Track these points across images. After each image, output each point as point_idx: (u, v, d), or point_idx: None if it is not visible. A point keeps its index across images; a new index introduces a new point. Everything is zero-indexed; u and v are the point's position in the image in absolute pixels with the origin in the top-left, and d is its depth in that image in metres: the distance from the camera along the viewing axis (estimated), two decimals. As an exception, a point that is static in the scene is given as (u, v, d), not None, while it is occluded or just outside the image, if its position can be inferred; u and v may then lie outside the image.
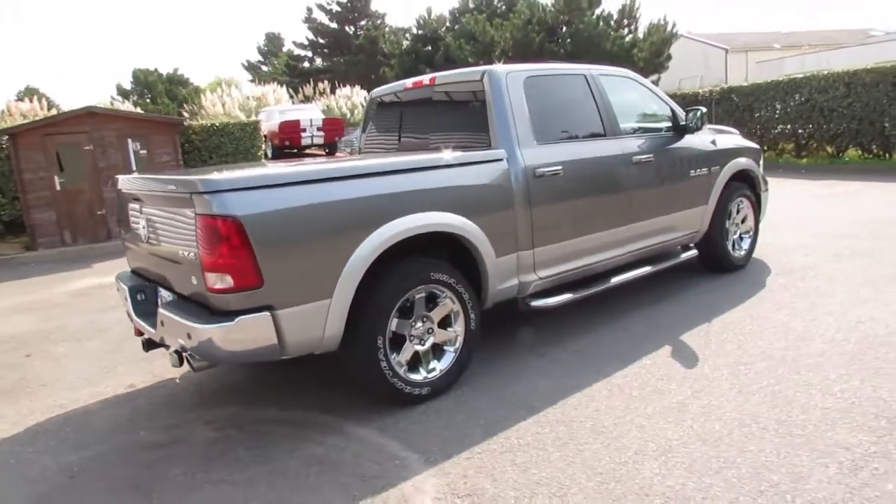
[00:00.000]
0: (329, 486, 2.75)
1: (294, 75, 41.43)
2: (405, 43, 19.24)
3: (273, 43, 56.18)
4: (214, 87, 32.93)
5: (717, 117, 14.51)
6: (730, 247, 5.50)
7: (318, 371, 3.98)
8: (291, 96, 32.94)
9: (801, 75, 13.77)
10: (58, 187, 9.40)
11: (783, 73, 17.97)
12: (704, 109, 4.94)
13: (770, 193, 6.04)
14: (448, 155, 3.65)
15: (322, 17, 42.01)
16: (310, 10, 41.95)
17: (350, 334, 3.22)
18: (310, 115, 15.58)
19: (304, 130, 14.57)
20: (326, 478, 2.82)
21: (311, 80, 33.32)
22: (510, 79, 3.99)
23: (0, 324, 6.01)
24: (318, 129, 14.72)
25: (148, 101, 53.06)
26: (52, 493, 2.90)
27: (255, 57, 57.78)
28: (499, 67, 4.07)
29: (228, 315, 2.87)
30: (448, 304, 3.58)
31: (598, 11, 16.04)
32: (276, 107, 18.69)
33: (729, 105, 14.63)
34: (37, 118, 11.93)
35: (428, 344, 3.54)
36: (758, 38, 38.48)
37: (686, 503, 2.43)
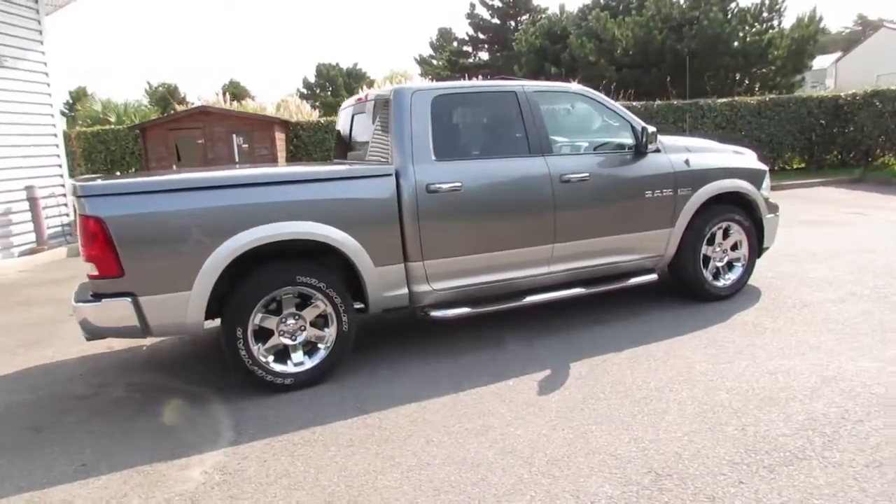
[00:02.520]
0: (150, 447, 3.26)
1: (455, 70, 42.81)
2: (535, 40, 19.17)
3: (444, 38, 58.33)
4: (383, 83, 35.29)
5: (859, 126, 12.78)
6: (708, 275, 5.13)
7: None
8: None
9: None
10: (177, 174, 11.05)
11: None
12: (653, 129, 4.68)
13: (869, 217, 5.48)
14: (330, 169, 3.98)
15: (484, 13, 42.83)
16: (472, 5, 42.95)
17: (222, 324, 3.72)
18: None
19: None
20: (156, 440, 3.34)
21: (467, 76, 34.34)
22: (416, 98, 4.19)
23: None
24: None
25: (329, 94, 57.97)
26: (-20, 421, 3.76)
27: (428, 51, 60.48)
28: (407, 86, 4.28)
29: (98, 298, 3.50)
30: (320, 305, 3.92)
31: (730, 6, 14.74)
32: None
33: (871, 112, 12.79)
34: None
35: (299, 340, 3.93)
36: None
37: (382, 514, 2.59)
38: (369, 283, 4.00)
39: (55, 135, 10.32)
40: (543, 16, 41.10)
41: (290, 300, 3.87)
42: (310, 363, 3.94)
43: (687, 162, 4.94)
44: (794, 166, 14.66)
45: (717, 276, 5.22)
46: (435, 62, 56.02)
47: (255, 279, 3.75)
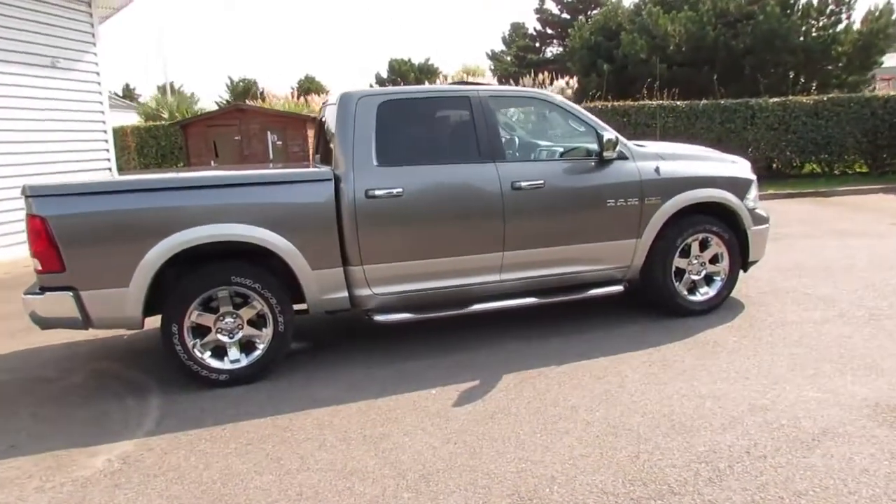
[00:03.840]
0: (77, 433, 3.47)
1: (522, 66, 42.42)
2: (590, 36, 18.69)
3: (516, 32, 57.84)
4: (455, 78, 35.37)
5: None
6: (682, 288, 4.90)
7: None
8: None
9: None
10: (216, 169, 11.57)
11: None
12: (614, 136, 4.49)
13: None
14: (266, 173, 4.08)
15: (553, 8, 42.18)
16: (542, 0, 42.40)
17: (161, 319, 3.92)
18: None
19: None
20: (86, 427, 3.55)
21: (533, 72, 33.96)
22: (361, 103, 4.22)
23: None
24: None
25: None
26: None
27: (499, 47, 60.13)
28: (354, 91, 4.31)
29: (43, 291, 3.75)
30: (256, 306, 4.04)
31: (792, 0, 13.80)
32: None
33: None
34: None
35: (236, 338, 4.06)
36: None
37: (238, 515, 2.66)
38: (306, 286, 4.08)
39: (105, 131, 11.01)
40: (598, 11, 40.14)
41: (227, 299, 4.00)
42: (246, 361, 4.07)
43: (657, 170, 4.73)
44: (857, 170, 13.65)
45: (693, 289, 4.98)
46: (508, 58, 55.76)
47: (190, 278, 3.90)
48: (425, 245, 4.29)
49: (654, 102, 12.94)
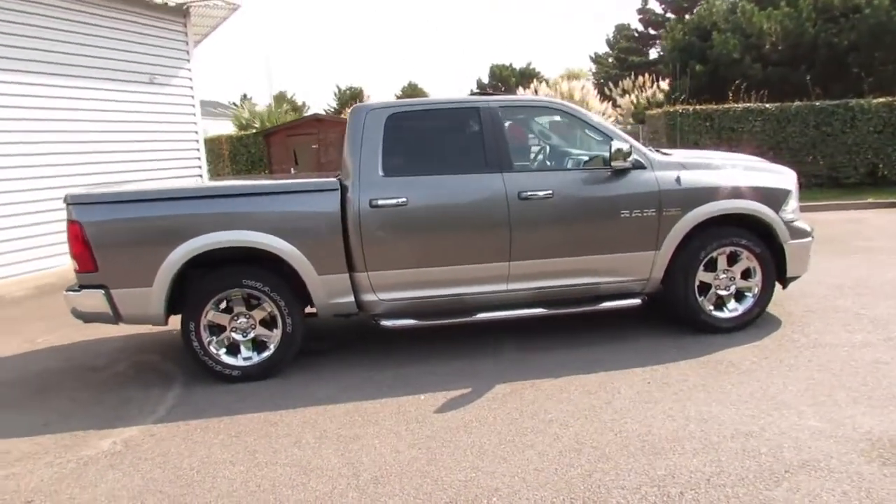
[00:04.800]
0: (99, 416, 3.87)
1: (623, 68, 41.27)
2: (683, 37, 17.87)
3: (620, 34, 56.31)
4: (558, 82, 35.09)
5: None
6: (707, 304, 4.66)
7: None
8: (607, 91, 33.12)
9: None
10: (295, 176, 12.25)
11: None
12: (625, 146, 4.34)
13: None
14: (278, 183, 4.33)
15: (657, 8, 40.73)
16: (645, 0, 41.08)
17: (181, 317, 4.28)
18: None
19: (531, 132, 15.24)
20: (109, 411, 3.95)
21: (634, 74, 33.00)
22: (371, 115, 4.38)
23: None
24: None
25: (501, 94, 58.88)
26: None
27: (604, 49, 58.77)
28: (366, 104, 4.49)
29: (80, 288, 4.21)
30: (267, 308, 4.30)
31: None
32: None
33: None
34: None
35: (248, 337, 4.34)
36: None
37: None
38: (313, 290, 4.29)
39: (196, 140, 11.96)
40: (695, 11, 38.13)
41: (240, 301, 4.29)
42: (257, 359, 4.34)
43: (678, 180, 4.54)
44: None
45: (721, 305, 4.73)
46: (610, 60, 54.39)
47: (205, 280, 4.22)
48: (430, 253, 4.37)
49: (739, 105, 12.22)
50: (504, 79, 62.47)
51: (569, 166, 4.67)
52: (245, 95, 51.10)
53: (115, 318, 4.24)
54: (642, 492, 2.72)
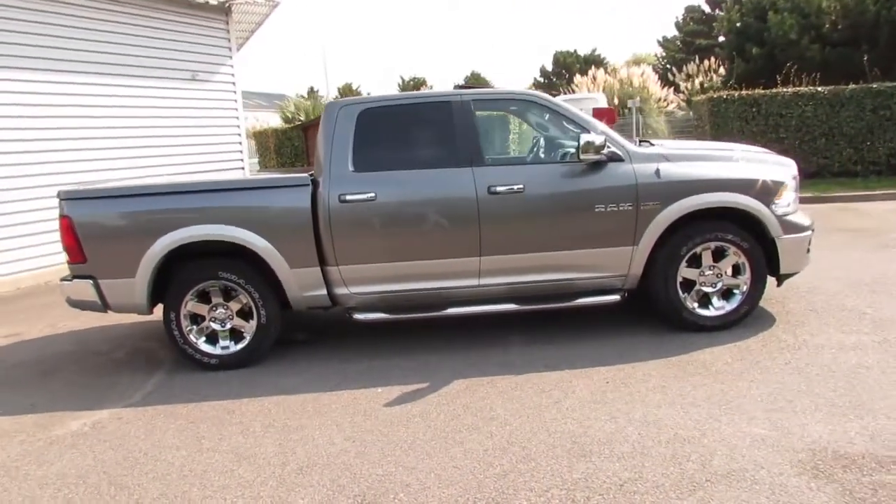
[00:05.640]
0: (82, 398, 4.13)
1: (690, 52, 39.67)
2: (739, 18, 16.95)
3: (689, 16, 54.03)
4: (613, 69, 34.16)
5: None
6: (690, 302, 4.48)
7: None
8: (671, 76, 31.86)
9: None
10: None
11: None
12: (597, 139, 4.19)
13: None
14: (251, 178, 4.45)
15: (727, -13, 38.81)
16: (713, -21, 39.17)
17: (163, 307, 4.50)
18: (584, 104, 15.64)
19: (573, 120, 14.87)
20: (91, 393, 4.21)
21: (698, 58, 31.69)
22: (343, 112, 4.44)
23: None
24: (588, 119, 14.79)
25: (564, 81, 57.76)
26: (9, 361, 5.05)
27: (673, 32, 56.56)
28: (340, 101, 4.54)
29: (72, 279, 4.49)
30: (242, 299, 4.46)
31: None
32: (564, 97, 19.17)
33: None
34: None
35: (226, 327, 4.51)
36: None
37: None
38: (285, 283, 4.41)
39: (238, 134, 12.40)
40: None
41: (217, 292, 4.46)
42: (234, 348, 4.51)
43: (657, 173, 4.37)
44: None
45: (707, 303, 4.53)
46: (678, 43, 52.30)
47: (185, 272, 4.41)
48: (399, 248, 4.40)
49: (788, 90, 11.54)
50: (567, 66, 61.17)
51: (545, 159, 4.57)
52: (312, 88, 52.31)
53: (104, 306, 4.49)
54: (549, 495, 2.67)
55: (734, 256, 4.46)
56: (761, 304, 4.96)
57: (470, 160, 4.38)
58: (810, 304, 4.93)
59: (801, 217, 4.60)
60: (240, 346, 4.50)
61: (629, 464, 2.86)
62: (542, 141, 4.81)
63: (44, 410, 3.99)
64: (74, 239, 4.36)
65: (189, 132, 11.20)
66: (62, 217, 4.39)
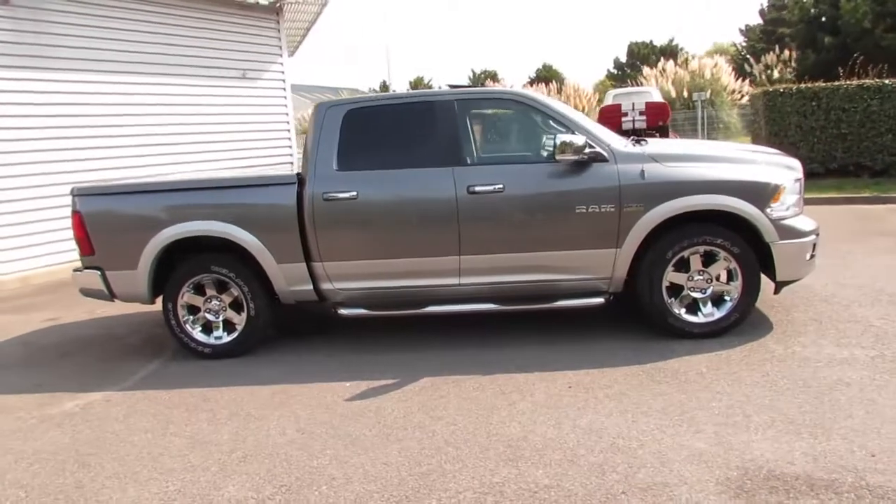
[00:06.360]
0: (83, 380, 4.46)
1: (771, 40, 37.66)
2: (810, 7, 15.94)
3: (772, 3, 51.23)
4: (684, 60, 32.95)
5: None
6: (677, 307, 4.34)
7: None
8: (747, 67, 30.37)
9: None
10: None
11: None
12: (570, 139, 4.10)
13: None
14: (240, 177, 4.65)
15: (814, -29, 36.56)
16: (798, -36, 36.99)
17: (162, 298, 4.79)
18: (636, 99, 15.12)
19: (626, 115, 14.40)
20: (92, 377, 4.54)
21: (778, 48, 30.13)
22: (330, 111, 4.56)
23: None
24: (641, 113, 14.31)
25: (639, 73, 56.11)
26: (37, 344, 5.47)
27: (756, 20, 53.77)
28: (328, 101, 4.67)
29: (83, 269, 4.84)
30: (234, 292, 4.67)
31: None
32: (618, 90, 18.60)
33: None
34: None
35: (220, 318, 4.75)
36: None
37: (98, 461, 3.29)
38: (273, 278, 4.58)
39: (287, 130, 12.83)
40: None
41: (211, 285, 4.70)
42: (227, 339, 4.73)
43: (642, 174, 4.24)
44: None
45: (694, 309, 4.37)
46: (759, 32, 49.66)
47: (181, 265, 4.67)
48: (381, 246, 4.49)
49: (852, 82, 10.79)
50: (643, 57, 59.39)
51: (528, 160, 4.52)
52: (384, 82, 53.14)
53: (111, 295, 4.82)
54: (460, 497, 2.69)
55: (725, 262, 4.28)
56: (764, 310, 4.78)
57: (451, 160, 4.41)
58: (817, 313, 4.66)
59: (802, 221, 4.35)
60: (232, 336, 4.72)
61: (553, 471, 2.83)
62: (525, 141, 4.75)
63: (46, 391, 4.33)
64: (84, 232, 4.70)
65: (239, 129, 11.69)
66: (74, 212, 4.74)
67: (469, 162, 4.47)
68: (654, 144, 4.64)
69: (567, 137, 4.12)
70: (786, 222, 4.24)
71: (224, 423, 3.63)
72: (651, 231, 4.25)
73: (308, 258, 4.55)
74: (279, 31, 12.54)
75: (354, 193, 4.42)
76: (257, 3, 11.74)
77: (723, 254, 4.26)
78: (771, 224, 4.20)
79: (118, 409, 3.93)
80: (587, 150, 4.20)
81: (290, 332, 5.22)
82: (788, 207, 4.29)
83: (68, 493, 3.00)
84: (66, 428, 3.72)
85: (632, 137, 4.80)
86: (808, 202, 9.76)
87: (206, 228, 4.53)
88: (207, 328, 4.77)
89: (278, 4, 12.21)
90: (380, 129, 4.61)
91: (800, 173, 4.50)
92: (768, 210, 4.20)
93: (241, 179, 4.81)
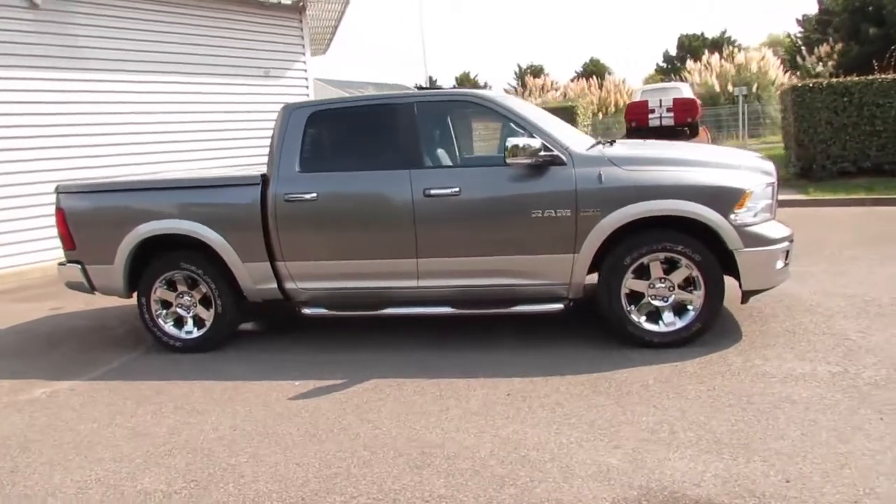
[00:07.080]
0: (60, 368, 4.67)
1: (825, 31, 35.99)
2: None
3: (830, -5, 48.88)
4: (729, 53, 31.91)
5: None
6: (637, 315, 4.22)
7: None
8: (799, 59, 29.11)
9: None
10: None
11: None
12: (523, 142, 4.02)
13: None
14: (207, 177, 4.77)
15: (877, -41, 34.68)
16: (862, -48, 35.13)
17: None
18: (665, 95, 14.66)
19: (653, 112, 14.03)
20: (69, 366, 4.74)
21: (832, 39, 28.81)
22: (295, 113, 4.62)
23: None
24: (668, 109, 13.90)
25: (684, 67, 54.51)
26: (31, 332, 5.74)
27: (814, 10, 51.42)
28: (293, 103, 4.74)
29: (66, 263, 5.05)
30: (202, 289, 4.79)
31: None
32: (648, 86, 18.15)
33: None
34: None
35: (191, 314, 4.88)
36: None
37: (40, 450, 3.44)
38: (238, 275, 4.68)
39: (310, 127, 13.02)
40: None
41: (182, 281, 4.83)
42: (196, 333, 4.87)
43: (599, 178, 4.13)
44: None
45: (656, 317, 4.24)
46: (814, 23, 47.45)
47: (154, 261, 4.82)
48: (339, 247, 4.52)
49: (888, 76, 10.21)
50: (693, 49, 57.56)
51: (485, 162, 4.48)
52: (430, 77, 53.22)
53: (91, 288, 5.02)
54: (354, 502, 2.70)
55: (687, 269, 4.13)
56: (739, 319, 4.62)
57: (409, 163, 4.40)
58: (794, 324, 4.45)
59: (772, 228, 4.16)
60: (201, 332, 4.85)
61: (454, 481, 2.81)
62: (485, 143, 4.70)
63: (21, 377, 4.55)
64: (66, 228, 4.91)
65: (261, 126, 11.91)
66: (57, 208, 4.95)
67: (427, 165, 4.46)
68: (620, 147, 4.52)
69: (520, 141, 4.05)
70: (752, 229, 4.06)
71: (167, 416, 3.73)
72: (610, 236, 4.15)
73: (272, 258, 4.62)
74: (302, 29, 12.74)
75: (315, 195, 4.46)
76: (279, 2, 11.96)
77: (684, 261, 4.11)
78: (735, 231, 4.03)
79: (77, 399, 4.10)
80: (542, 153, 4.13)
81: (272, 329, 5.32)
82: (756, 213, 4.10)
83: (1, 476, 3.15)
84: (25, 414, 3.90)
85: (600, 139, 4.68)
86: (833, 203, 9.49)
87: (176, 227, 4.67)
88: (180, 323, 4.92)
89: (301, 3, 12.40)
90: (342, 132, 4.64)
91: (773, 178, 4.30)
92: (732, 216, 4.03)
93: (209, 180, 4.93)
